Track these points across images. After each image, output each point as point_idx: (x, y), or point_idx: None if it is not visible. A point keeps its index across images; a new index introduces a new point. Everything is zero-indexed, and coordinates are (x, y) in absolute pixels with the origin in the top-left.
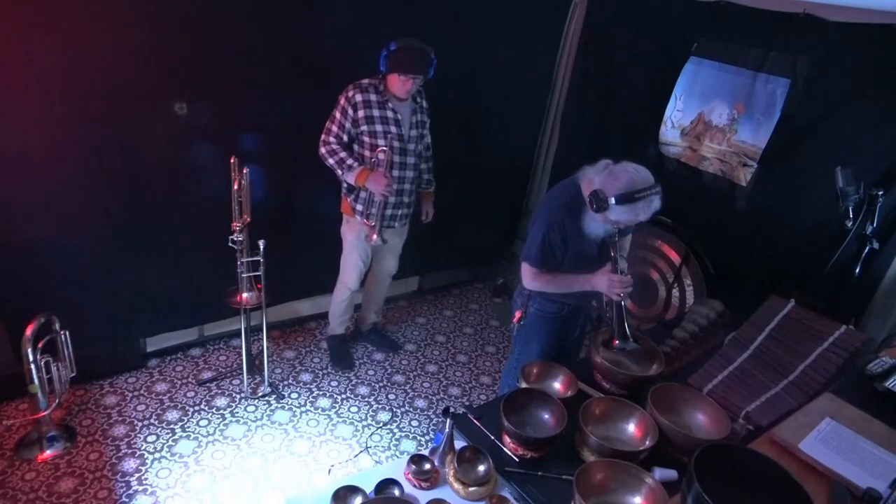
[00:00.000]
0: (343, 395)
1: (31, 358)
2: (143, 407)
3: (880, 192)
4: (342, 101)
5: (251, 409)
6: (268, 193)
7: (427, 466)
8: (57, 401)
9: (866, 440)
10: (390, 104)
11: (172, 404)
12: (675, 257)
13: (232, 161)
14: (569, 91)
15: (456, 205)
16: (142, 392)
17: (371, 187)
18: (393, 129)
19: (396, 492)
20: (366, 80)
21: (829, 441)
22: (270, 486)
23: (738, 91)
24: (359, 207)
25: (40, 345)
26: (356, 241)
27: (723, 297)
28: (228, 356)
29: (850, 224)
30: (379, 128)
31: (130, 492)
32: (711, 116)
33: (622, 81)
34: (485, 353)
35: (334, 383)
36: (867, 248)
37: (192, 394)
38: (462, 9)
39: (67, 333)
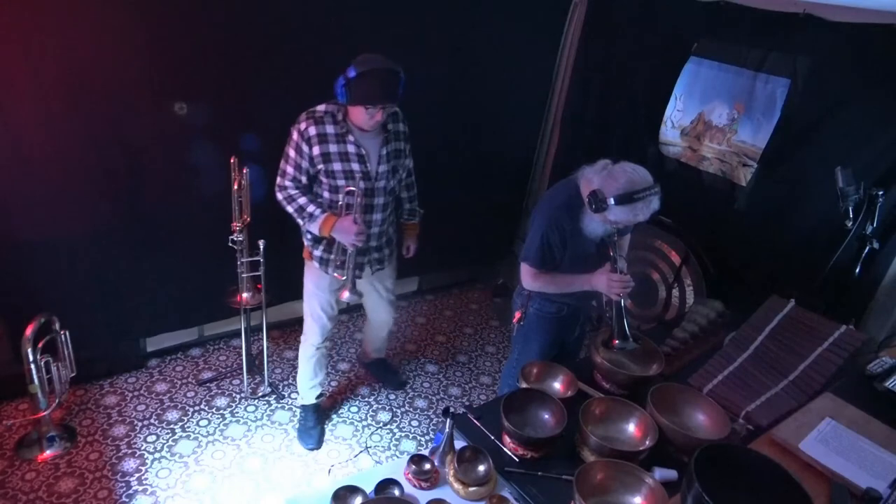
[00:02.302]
0: (343, 396)
1: (31, 358)
2: (143, 407)
3: (880, 192)
4: (295, 135)
5: (251, 409)
6: (268, 193)
7: (427, 466)
8: (57, 401)
9: (866, 440)
10: (351, 137)
11: (172, 404)
12: (675, 257)
13: (232, 161)
14: (569, 91)
15: (456, 205)
16: (142, 392)
17: (340, 238)
18: (355, 166)
19: (396, 492)
20: (321, 108)
21: (829, 441)
22: (270, 486)
23: (738, 91)
24: (317, 253)
25: (40, 345)
26: (315, 289)
27: (723, 297)
28: (228, 356)
29: (850, 224)
30: (337, 166)
31: (130, 492)
32: (711, 116)
33: (622, 81)
34: (485, 353)
35: (334, 384)
36: (867, 248)
37: (192, 394)
38: (462, 9)
39: (67, 333)
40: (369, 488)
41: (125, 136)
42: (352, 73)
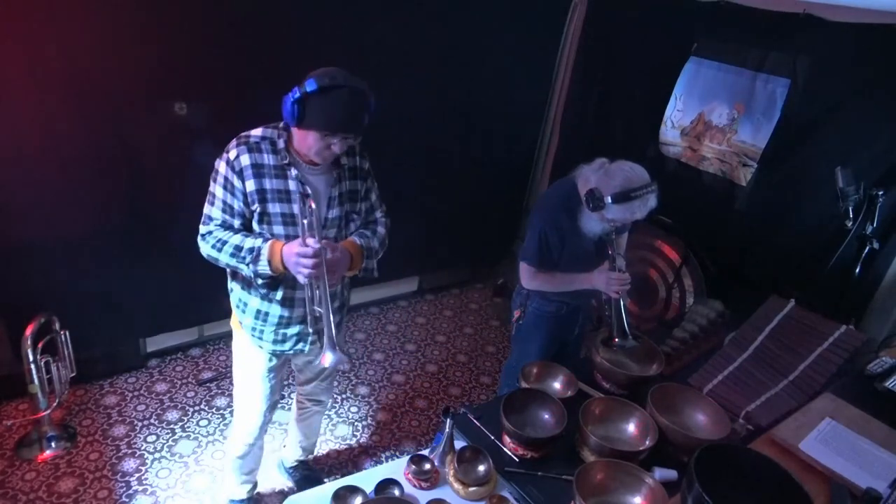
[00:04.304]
0: (343, 395)
1: (31, 358)
2: (143, 407)
3: (880, 192)
4: (222, 167)
5: None
6: None
7: (427, 466)
8: (57, 401)
9: (866, 440)
10: (293, 171)
11: (172, 404)
12: (675, 257)
13: None
14: (569, 91)
15: (456, 205)
16: (142, 392)
17: (292, 266)
18: (298, 208)
19: (396, 492)
20: (257, 132)
21: (829, 441)
22: (270, 486)
23: (738, 91)
24: (248, 322)
25: (40, 345)
26: (248, 371)
27: (723, 297)
28: (228, 356)
29: (850, 224)
30: (275, 208)
31: (130, 492)
32: (711, 116)
33: (622, 81)
34: (485, 353)
35: (334, 383)
36: (867, 248)
37: (192, 394)
38: (462, 8)
39: (67, 333)
40: (369, 488)
41: (125, 136)
42: (310, 87)
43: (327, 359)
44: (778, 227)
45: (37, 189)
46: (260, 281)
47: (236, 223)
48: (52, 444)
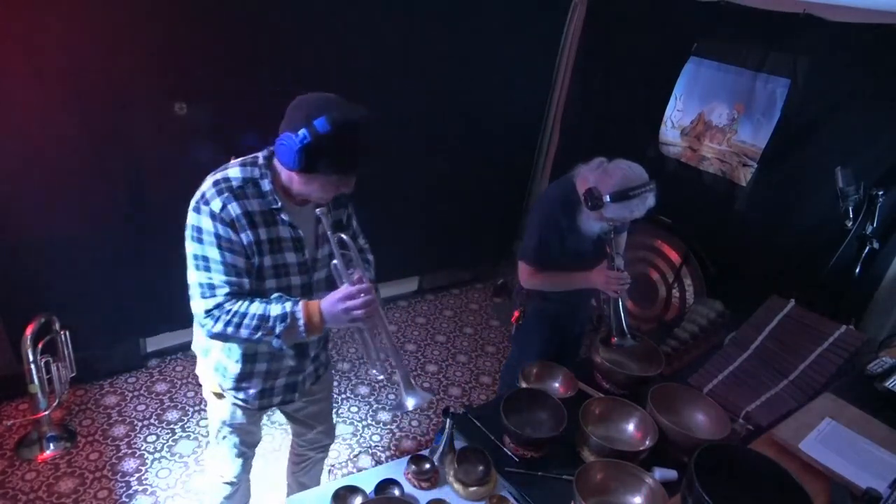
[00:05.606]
0: (343, 395)
1: (31, 358)
2: (143, 407)
3: (880, 192)
4: (205, 222)
5: None
6: None
7: (427, 466)
8: (57, 401)
9: (866, 440)
10: (284, 216)
11: (172, 404)
12: (675, 257)
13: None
14: (569, 91)
15: (456, 205)
16: (142, 392)
17: (341, 318)
18: (290, 257)
19: (396, 492)
20: (236, 174)
21: (829, 441)
22: (270, 486)
23: (738, 91)
24: (229, 385)
25: (40, 345)
26: (230, 429)
27: (723, 297)
28: None
29: (850, 224)
30: (268, 260)
31: (130, 492)
32: (711, 116)
33: (622, 81)
34: (485, 353)
35: (334, 384)
36: (867, 248)
37: (192, 394)
38: (462, 9)
39: (67, 333)
40: (369, 488)
41: (125, 136)
42: (323, 128)
43: (410, 403)
44: (778, 227)
45: (37, 189)
46: (291, 352)
47: (246, 284)
48: (52, 444)
